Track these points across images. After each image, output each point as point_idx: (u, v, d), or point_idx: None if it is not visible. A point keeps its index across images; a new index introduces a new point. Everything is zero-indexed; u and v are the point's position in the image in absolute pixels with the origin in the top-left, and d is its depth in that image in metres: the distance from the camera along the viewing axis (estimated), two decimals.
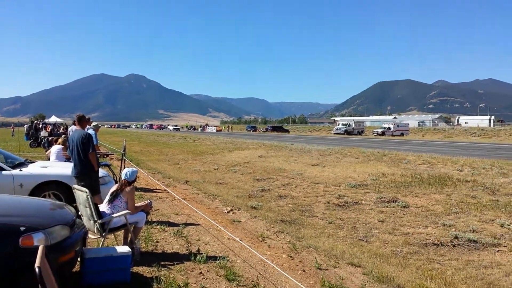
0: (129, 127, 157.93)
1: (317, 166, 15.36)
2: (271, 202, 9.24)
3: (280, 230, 6.78)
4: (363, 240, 6.28)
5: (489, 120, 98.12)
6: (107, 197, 5.20)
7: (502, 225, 6.90)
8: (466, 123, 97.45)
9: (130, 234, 5.22)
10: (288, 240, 6.19)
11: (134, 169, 5.43)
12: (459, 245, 5.96)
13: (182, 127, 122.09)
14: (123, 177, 5.30)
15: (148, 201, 5.62)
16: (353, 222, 7.37)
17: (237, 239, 5.98)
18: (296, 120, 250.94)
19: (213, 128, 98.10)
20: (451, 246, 5.94)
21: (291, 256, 5.43)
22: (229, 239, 6.11)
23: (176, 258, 5.21)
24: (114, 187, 5.28)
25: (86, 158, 6.37)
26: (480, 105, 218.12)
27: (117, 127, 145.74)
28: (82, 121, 6.95)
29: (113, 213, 4.97)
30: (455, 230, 6.61)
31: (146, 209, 5.51)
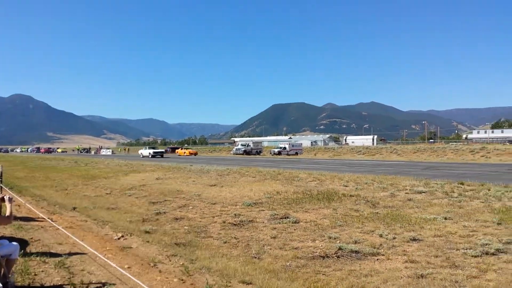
0: (13, 151, 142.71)
1: (215, 187, 15.41)
2: (166, 225, 9.02)
3: (173, 253, 6.62)
4: (255, 257, 6.42)
5: (373, 139, 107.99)
6: None
7: (381, 235, 7.54)
8: (352, 142, 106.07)
9: (2, 268, 4.69)
10: (181, 263, 6.07)
11: None
12: (343, 256, 6.38)
13: (76, 150, 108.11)
14: None
15: (4, 196, 4.88)
16: (247, 240, 7.50)
17: (125, 266, 5.71)
18: (197, 141, 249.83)
19: (108, 150, 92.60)
20: (336, 257, 6.33)
21: (182, 280, 5.32)
22: (117, 266, 5.80)
23: None
24: None
25: None
26: (365, 126, 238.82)
27: None
28: None
29: None
30: (339, 242, 7.07)
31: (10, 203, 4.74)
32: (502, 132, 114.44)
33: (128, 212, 10.80)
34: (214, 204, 11.64)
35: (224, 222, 9.15)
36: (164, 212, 10.56)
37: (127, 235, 8.04)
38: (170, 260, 6.25)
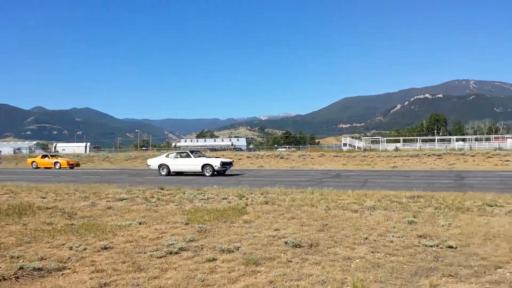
0: None
1: None
2: None
3: None
4: None
5: (86, 146, 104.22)
6: None
7: (71, 248, 7.19)
8: (63, 149, 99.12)
9: None
10: None
11: None
12: (23, 276, 5.78)
13: None
14: None
15: None
16: None
17: None
18: None
19: None
20: (14, 278, 5.69)
21: None
22: None
23: None
24: None
25: None
26: (78, 133, 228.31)
27: None
28: None
29: None
30: (22, 261, 6.40)
31: None
32: (205, 141, 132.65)
33: None
34: None
35: None
36: None
37: None
38: None
